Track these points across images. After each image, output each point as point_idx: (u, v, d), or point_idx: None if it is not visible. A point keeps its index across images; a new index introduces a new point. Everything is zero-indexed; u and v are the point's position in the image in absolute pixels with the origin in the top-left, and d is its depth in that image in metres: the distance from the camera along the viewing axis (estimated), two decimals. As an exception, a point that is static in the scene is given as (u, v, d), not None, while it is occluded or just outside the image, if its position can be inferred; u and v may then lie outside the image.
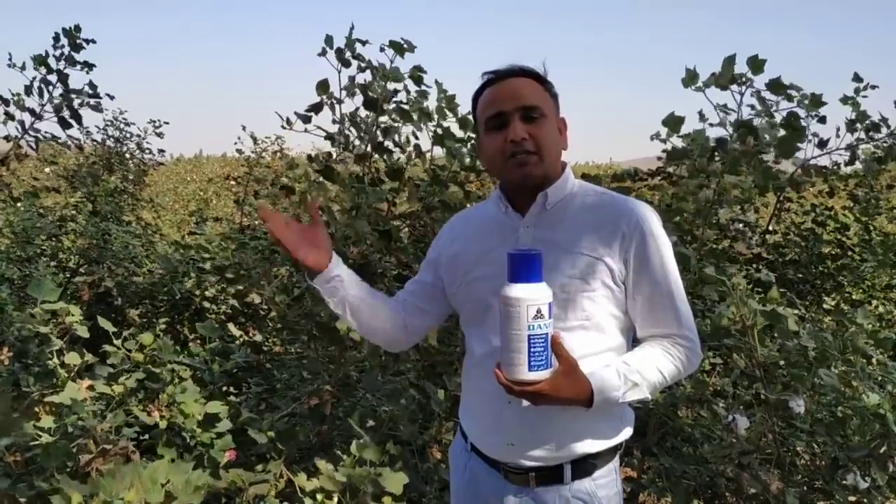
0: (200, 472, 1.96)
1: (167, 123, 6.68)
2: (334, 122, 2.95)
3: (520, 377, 1.23)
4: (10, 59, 3.28)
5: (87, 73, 3.46)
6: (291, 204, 3.28)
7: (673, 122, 2.95)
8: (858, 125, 3.19)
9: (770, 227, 4.03)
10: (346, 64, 2.88)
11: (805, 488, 2.30)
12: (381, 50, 2.89)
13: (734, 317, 2.18)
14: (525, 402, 1.29)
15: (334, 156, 3.05)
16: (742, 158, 2.77)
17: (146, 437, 2.40)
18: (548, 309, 1.22)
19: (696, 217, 2.83)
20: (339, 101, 2.90)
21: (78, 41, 3.41)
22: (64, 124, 3.37)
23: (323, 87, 2.87)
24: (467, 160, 3.08)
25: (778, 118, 2.99)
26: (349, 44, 2.87)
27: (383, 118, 2.96)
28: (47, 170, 6.69)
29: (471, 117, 3.01)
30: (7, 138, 3.48)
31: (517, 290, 1.22)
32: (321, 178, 2.95)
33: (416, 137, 3.01)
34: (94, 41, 3.46)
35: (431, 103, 3.01)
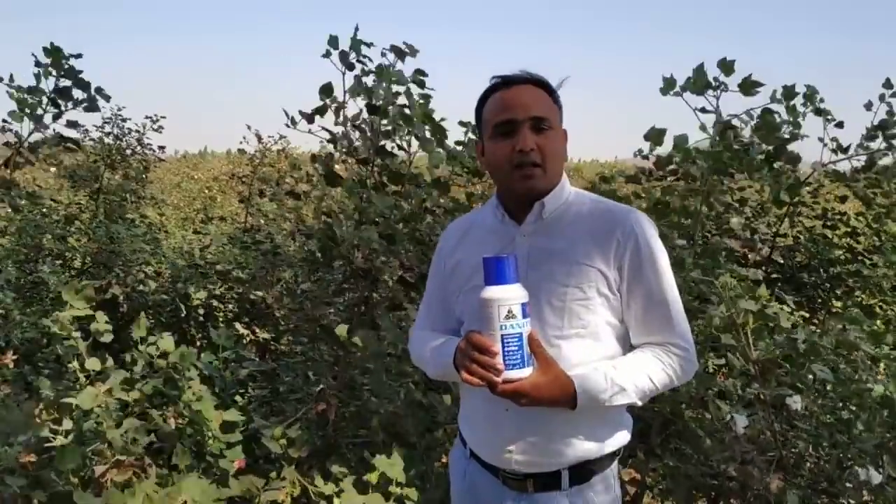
0: (214, 486, 1.94)
1: (164, 118, 6.65)
2: (337, 123, 2.93)
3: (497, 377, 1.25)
4: (10, 81, 3.20)
5: (83, 91, 3.32)
6: (295, 207, 3.26)
7: (655, 135, 2.99)
8: (881, 132, 3.17)
9: (781, 231, 4.01)
10: (350, 67, 2.85)
11: (809, 490, 2.29)
12: (383, 55, 2.87)
13: (724, 316, 2.17)
14: (512, 404, 1.29)
15: (336, 156, 3.03)
16: (725, 154, 2.79)
17: (162, 443, 2.38)
18: (520, 309, 1.23)
19: (688, 219, 2.85)
20: (343, 105, 2.88)
21: (62, 61, 3.25)
22: (58, 140, 3.34)
23: (326, 90, 2.85)
24: (467, 160, 3.07)
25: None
26: (354, 45, 2.84)
27: (386, 121, 2.95)
28: (52, 170, 6.68)
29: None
30: (7, 144, 3.44)
31: (489, 292, 1.25)
32: (324, 182, 2.93)
33: (419, 139, 2.99)
34: (80, 55, 3.31)
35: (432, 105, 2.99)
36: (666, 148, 3.06)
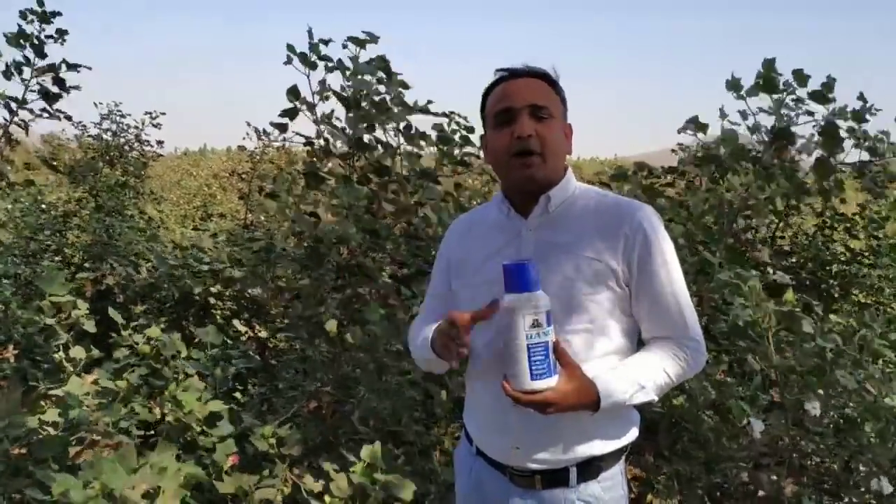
0: (192, 465, 1.91)
1: (164, 114, 6.65)
2: (315, 122, 2.93)
3: (524, 387, 1.22)
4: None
5: (62, 44, 3.40)
6: (280, 209, 3.28)
7: (698, 124, 2.94)
8: (864, 141, 3.18)
9: (777, 232, 4.01)
10: (313, 67, 2.85)
11: (812, 489, 2.29)
12: (344, 47, 2.87)
13: (751, 319, 2.17)
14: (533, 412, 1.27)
15: (321, 154, 3.02)
16: (778, 170, 2.74)
17: (151, 433, 2.39)
18: (545, 317, 1.21)
19: (716, 222, 2.80)
20: (313, 105, 2.88)
21: (45, 12, 3.38)
22: (49, 99, 3.34)
23: (293, 92, 2.85)
24: (455, 151, 3.07)
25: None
26: (313, 49, 2.85)
27: (358, 112, 2.94)
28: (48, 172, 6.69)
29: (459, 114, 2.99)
30: None
31: (512, 301, 1.22)
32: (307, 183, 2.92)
33: (401, 132, 2.98)
34: (59, 14, 3.42)
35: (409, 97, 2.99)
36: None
